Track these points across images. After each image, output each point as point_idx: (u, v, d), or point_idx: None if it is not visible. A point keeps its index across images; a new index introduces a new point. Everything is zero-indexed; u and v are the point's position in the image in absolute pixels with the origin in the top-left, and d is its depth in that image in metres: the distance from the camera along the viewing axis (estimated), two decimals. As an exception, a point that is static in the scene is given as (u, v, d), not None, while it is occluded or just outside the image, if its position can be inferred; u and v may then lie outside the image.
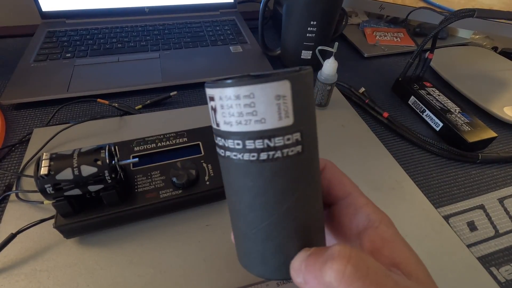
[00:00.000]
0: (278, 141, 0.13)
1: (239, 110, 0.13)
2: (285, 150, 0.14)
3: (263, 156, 0.14)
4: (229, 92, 0.13)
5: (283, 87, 0.13)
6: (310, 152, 0.15)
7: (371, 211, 0.16)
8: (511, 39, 0.55)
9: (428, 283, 0.14)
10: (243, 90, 0.13)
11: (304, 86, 0.14)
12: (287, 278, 0.15)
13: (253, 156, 0.14)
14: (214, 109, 0.14)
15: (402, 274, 0.14)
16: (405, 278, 0.14)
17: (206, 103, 0.48)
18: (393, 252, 0.15)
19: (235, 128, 0.14)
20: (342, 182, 0.18)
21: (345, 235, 0.17)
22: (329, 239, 0.19)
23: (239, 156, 0.14)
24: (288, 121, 0.13)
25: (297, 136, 0.14)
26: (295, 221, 0.15)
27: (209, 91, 0.14)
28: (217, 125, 0.14)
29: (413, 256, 0.15)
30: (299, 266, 0.14)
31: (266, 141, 0.13)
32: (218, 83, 0.13)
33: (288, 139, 0.14)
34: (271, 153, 0.14)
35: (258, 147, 0.13)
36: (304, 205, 0.15)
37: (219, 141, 0.15)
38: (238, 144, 0.14)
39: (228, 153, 0.14)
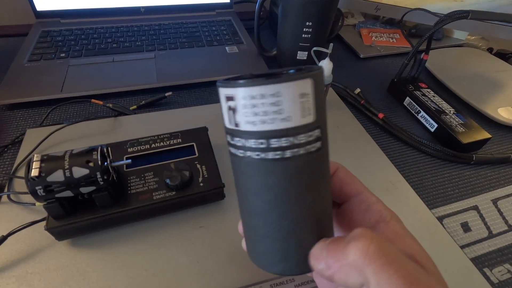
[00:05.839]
0: (302, 138, 0.14)
1: (264, 109, 0.13)
2: (308, 147, 0.14)
3: (288, 153, 0.14)
4: (254, 91, 0.13)
5: (307, 85, 0.13)
6: (326, 147, 0.15)
7: (383, 207, 0.17)
8: (506, 40, 0.56)
9: (438, 276, 0.15)
10: (269, 89, 0.13)
11: (321, 83, 0.14)
12: (309, 271, 0.16)
13: (278, 155, 0.14)
14: (234, 109, 0.14)
15: None
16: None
17: (202, 104, 0.48)
18: (404, 245, 0.15)
19: (259, 127, 0.14)
20: (354, 182, 0.19)
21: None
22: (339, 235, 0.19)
23: (262, 155, 0.14)
24: (310, 118, 0.14)
25: (317, 132, 0.14)
26: (315, 215, 0.15)
27: (227, 91, 0.14)
28: (236, 125, 0.14)
29: (423, 250, 0.15)
30: (320, 253, 0.15)
31: (291, 138, 0.14)
32: (236, 82, 0.13)
33: (310, 136, 0.14)
34: (295, 150, 0.14)
35: (283, 145, 0.14)
36: (321, 199, 0.16)
37: (238, 141, 0.14)
38: (261, 143, 0.14)
39: (249, 153, 0.14)
